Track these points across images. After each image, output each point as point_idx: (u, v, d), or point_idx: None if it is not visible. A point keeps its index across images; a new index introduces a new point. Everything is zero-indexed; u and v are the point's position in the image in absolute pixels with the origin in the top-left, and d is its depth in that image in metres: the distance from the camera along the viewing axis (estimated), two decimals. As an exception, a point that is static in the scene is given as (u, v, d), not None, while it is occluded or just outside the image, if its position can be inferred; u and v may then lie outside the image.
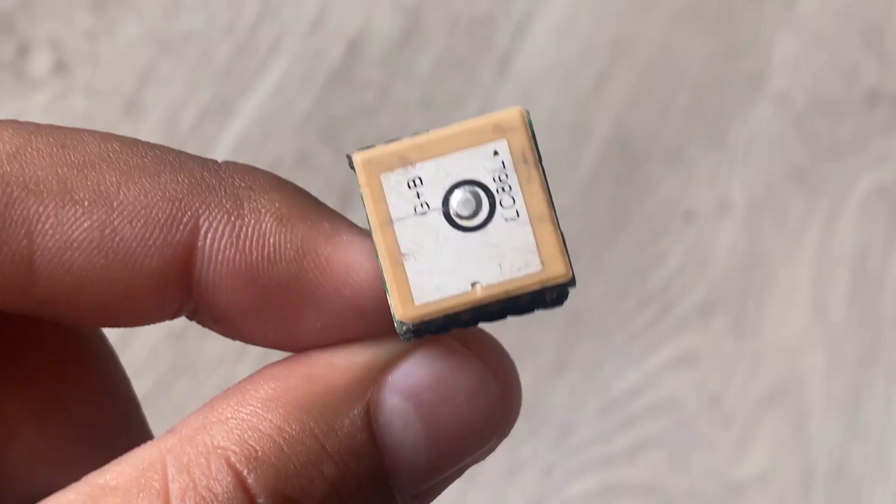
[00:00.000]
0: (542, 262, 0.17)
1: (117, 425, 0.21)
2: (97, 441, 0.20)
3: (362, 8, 0.52)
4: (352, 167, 0.17)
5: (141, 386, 0.47)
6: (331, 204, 0.18)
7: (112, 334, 0.51)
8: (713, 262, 0.49)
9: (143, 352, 0.47)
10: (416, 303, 0.17)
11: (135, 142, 0.18)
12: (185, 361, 0.47)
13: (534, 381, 0.48)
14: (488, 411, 0.18)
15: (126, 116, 0.50)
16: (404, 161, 0.17)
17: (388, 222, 0.17)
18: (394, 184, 0.17)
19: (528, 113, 0.17)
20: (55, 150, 0.17)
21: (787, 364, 0.48)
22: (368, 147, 0.17)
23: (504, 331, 0.52)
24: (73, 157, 0.17)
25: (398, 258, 0.17)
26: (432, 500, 0.19)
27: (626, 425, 0.48)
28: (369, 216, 0.17)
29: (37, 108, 0.48)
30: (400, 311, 0.17)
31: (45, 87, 0.50)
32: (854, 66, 0.51)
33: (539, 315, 0.54)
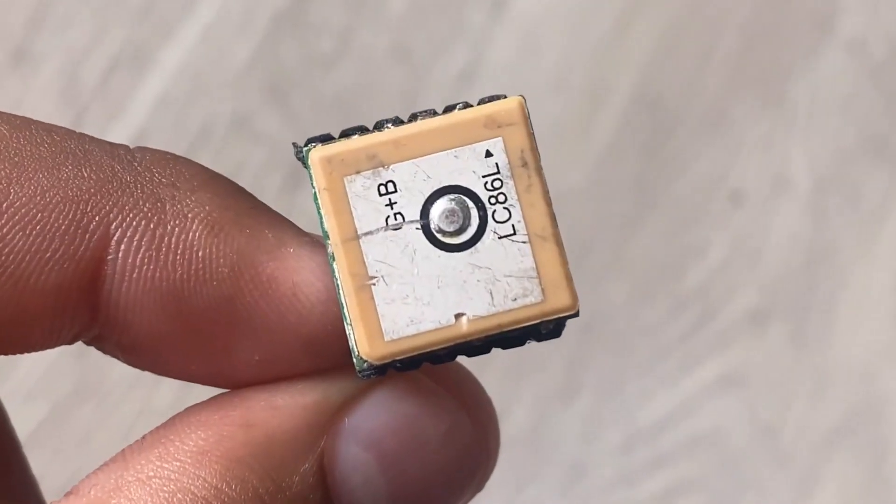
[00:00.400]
0: (544, 291, 0.17)
1: None
2: None
3: None
4: (302, 162, 0.17)
5: (34, 414, 0.47)
6: (276, 182, 0.17)
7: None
8: (767, 256, 0.49)
9: (36, 371, 0.47)
10: (386, 338, 0.17)
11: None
12: (91, 383, 0.46)
13: (537, 407, 0.48)
14: (462, 460, 0.19)
15: (13, 69, 0.49)
16: (374, 161, 0.17)
17: (353, 237, 0.17)
18: (361, 189, 0.17)
19: (525, 100, 0.17)
20: None
21: (863, 386, 0.47)
22: (326, 139, 0.17)
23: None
24: None
25: (364, 281, 0.17)
26: None
27: (655, 465, 0.47)
28: (328, 229, 0.17)
29: None
30: (365, 349, 0.17)
31: None
32: None
33: None
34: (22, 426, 0.49)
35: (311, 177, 0.17)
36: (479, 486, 0.20)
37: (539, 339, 0.18)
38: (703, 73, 0.51)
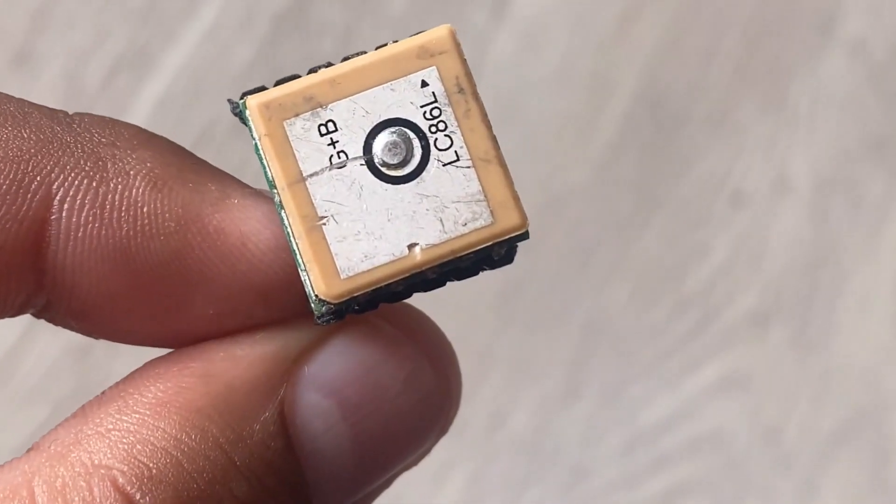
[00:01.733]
0: (493, 213, 0.17)
1: None
2: None
3: None
4: (238, 115, 0.17)
5: (35, 415, 0.48)
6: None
7: None
8: (769, 257, 0.49)
9: (37, 372, 0.47)
10: (342, 276, 0.17)
11: None
12: (92, 384, 0.46)
13: (539, 409, 0.48)
14: (423, 405, 0.19)
15: (16, 70, 0.50)
16: (312, 102, 0.17)
17: (299, 179, 0.17)
18: (301, 131, 0.17)
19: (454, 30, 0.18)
20: None
21: (866, 389, 0.48)
22: (260, 89, 0.17)
23: (500, 344, 0.53)
24: None
25: (315, 222, 0.17)
26: None
27: (656, 467, 0.47)
28: (273, 174, 0.17)
29: None
30: (322, 289, 0.17)
31: None
32: None
33: (544, 327, 0.52)
34: (23, 427, 0.50)
35: (250, 128, 0.17)
36: (444, 430, 0.20)
37: (493, 266, 0.18)
38: (706, 74, 0.51)
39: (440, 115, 0.17)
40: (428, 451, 0.20)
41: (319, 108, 0.17)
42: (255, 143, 0.17)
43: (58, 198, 0.17)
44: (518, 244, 0.18)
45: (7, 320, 0.50)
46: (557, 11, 0.52)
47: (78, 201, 0.17)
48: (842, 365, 0.48)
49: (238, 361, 0.18)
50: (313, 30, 0.51)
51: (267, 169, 0.17)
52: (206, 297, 0.18)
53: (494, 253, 0.18)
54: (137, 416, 0.17)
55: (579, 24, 0.52)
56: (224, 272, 0.18)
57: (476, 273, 0.18)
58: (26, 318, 0.52)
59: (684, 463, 0.47)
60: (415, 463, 0.20)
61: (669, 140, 0.50)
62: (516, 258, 0.18)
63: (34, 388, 0.47)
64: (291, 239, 0.17)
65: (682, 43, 0.51)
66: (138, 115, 0.49)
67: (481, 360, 0.49)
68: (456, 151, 0.17)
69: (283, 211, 0.17)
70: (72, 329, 0.19)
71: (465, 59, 0.17)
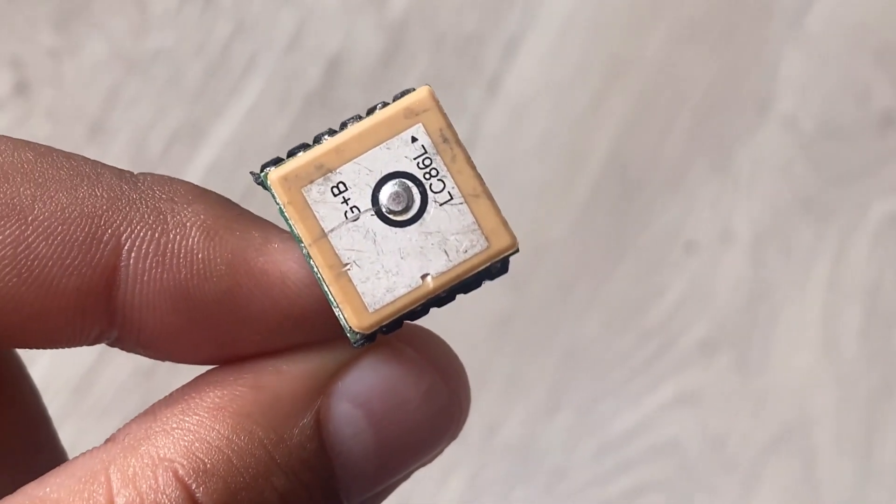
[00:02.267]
0: (487, 238, 0.18)
1: (24, 442, 0.21)
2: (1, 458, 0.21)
3: (342, 25, 0.54)
4: (261, 184, 0.18)
5: (108, 427, 0.47)
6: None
7: (73, 375, 0.50)
8: (716, 295, 0.51)
9: (110, 390, 0.49)
10: (370, 310, 0.18)
11: (49, 150, 0.18)
12: (157, 398, 0.48)
13: (525, 421, 0.49)
14: (438, 416, 0.19)
15: (91, 140, 0.52)
16: (323, 169, 0.18)
17: (321, 235, 0.18)
18: (317, 195, 0.18)
19: (432, 88, 0.18)
20: None
21: (795, 404, 0.49)
22: (276, 161, 0.18)
23: (494, 366, 0.52)
24: None
25: (340, 270, 0.18)
26: (379, 503, 0.20)
27: (623, 469, 0.49)
28: (299, 234, 0.18)
29: (-4, 132, 0.50)
30: (355, 322, 0.18)
31: (5, 109, 0.52)
32: (865, 87, 0.53)
33: (530, 352, 0.53)
34: (98, 437, 0.50)
35: (273, 196, 0.18)
36: (453, 437, 0.20)
37: (492, 278, 0.18)
38: (663, 145, 0.53)
39: (431, 163, 0.18)
40: (440, 453, 0.20)
41: (330, 173, 0.18)
42: (280, 208, 0.18)
43: (126, 247, 0.18)
44: (511, 258, 0.18)
45: (83, 349, 0.50)
46: (540, 93, 0.53)
47: (143, 250, 0.18)
48: (776, 385, 0.50)
49: (283, 375, 0.18)
50: (337, 107, 0.52)
51: (293, 229, 0.18)
52: (252, 326, 0.19)
53: (492, 268, 0.18)
54: (197, 417, 0.17)
55: (558, 104, 0.53)
56: (268, 306, 0.18)
57: (479, 285, 0.19)
58: (100, 345, 0.53)
59: (646, 466, 0.49)
60: (428, 462, 0.20)
61: (633, 199, 0.52)
62: (510, 296, 0.18)
63: (107, 403, 0.49)
64: (322, 283, 0.18)
65: (643, 119, 0.53)
66: (192, 179, 0.44)
67: (478, 379, 0.49)
68: (449, 192, 0.18)
69: (311, 261, 0.18)
70: (140, 354, 0.19)
71: (445, 113, 0.18)
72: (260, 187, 0.18)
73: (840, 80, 0.54)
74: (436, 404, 0.19)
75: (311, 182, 0.18)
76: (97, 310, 0.18)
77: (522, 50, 0.54)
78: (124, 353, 0.20)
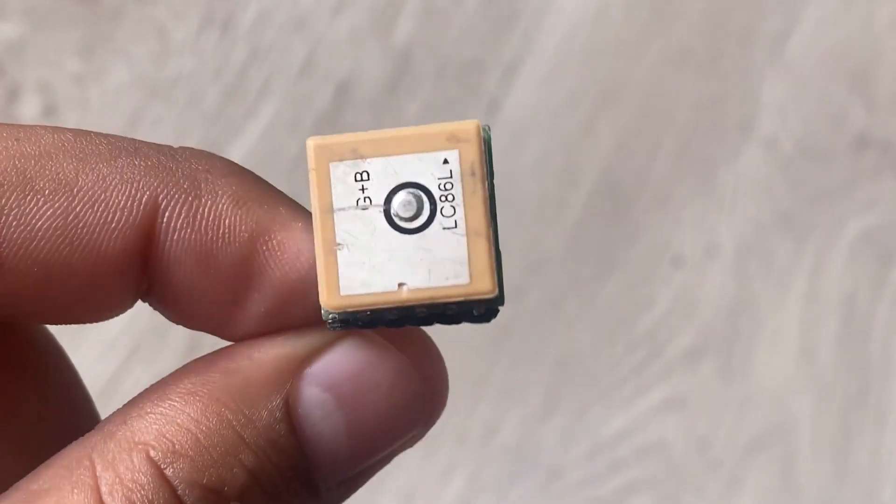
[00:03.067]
0: (471, 276, 0.18)
1: (69, 422, 0.22)
2: (46, 438, 0.21)
3: (351, 51, 0.55)
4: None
5: None
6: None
7: (97, 381, 0.51)
8: (701, 306, 0.52)
9: (132, 395, 0.50)
10: (342, 293, 0.18)
11: (87, 132, 0.19)
12: None
13: (522, 424, 0.50)
14: (409, 401, 0.19)
15: None
16: (356, 154, 0.18)
17: (329, 210, 0.18)
18: (341, 174, 0.18)
19: (488, 129, 0.18)
20: (10, 143, 0.18)
21: (776, 408, 0.50)
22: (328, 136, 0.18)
23: (493, 372, 0.54)
24: (28, 149, 0.18)
25: (332, 246, 0.18)
26: (357, 488, 0.20)
27: (614, 469, 0.50)
28: (312, 200, 0.18)
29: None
30: (324, 298, 0.18)
31: None
32: (842, 110, 0.55)
33: (527, 359, 0.55)
34: None
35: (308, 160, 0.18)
36: (427, 424, 0.20)
37: (472, 321, 0.18)
38: (652, 165, 0.53)
39: (452, 188, 0.18)
40: (419, 437, 0.20)
41: (360, 160, 0.18)
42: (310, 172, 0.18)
43: (161, 207, 0.18)
44: (499, 308, 0.18)
45: (107, 356, 0.52)
46: (536, 117, 0.54)
47: (177, 210, 0.18)
48: (757, 391, 0.50)
49: (254, 361, 0.19)
50: (346, 129, 0.52)
51: (310, 195, 0.18)
52: (261, 296, 0.19)
53: (475, 310, 0.18)
54: (170, 402, 0.18)
55: (553, 127, 0.54)
56: (279, 278, 0.19)
57: (458, 322, 0.19)
58: (123, 354, 0.54)
59: (635, 466, 0.49)
60: (407, 447, 0.20)
61: (623, 216, 0.52)
62: (508, 307, 0.19)
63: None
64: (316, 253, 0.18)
65: (633, 141, 0.54)
66: None
67: (478, 384, 0.50)
68: (456, 220, 0.18)
69: (314, 232, 0.18)
70: (160, 312, 0.20)
71: (484, 151, 0.18)
72: (293, 181, 0.19)
73: (818, 104, 0.54)
74: (407, 388, 0.19)
75: (341, 160, 0.18)
76: (138, 268, 0.19)
77: (520, 76, 0.55)
78: (145, 362, 0.20)
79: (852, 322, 0.52)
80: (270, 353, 0.19)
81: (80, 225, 0.18)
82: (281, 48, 0.55)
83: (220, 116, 0.54)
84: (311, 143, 0.18)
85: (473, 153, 0.18)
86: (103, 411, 0.49)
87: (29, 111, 0.54)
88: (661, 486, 0.50)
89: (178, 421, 0.18)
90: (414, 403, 0.19)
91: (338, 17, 0.56)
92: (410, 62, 0.55)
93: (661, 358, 0.51)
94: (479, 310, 0.18)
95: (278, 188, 0.19)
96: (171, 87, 0.55)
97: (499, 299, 0.18)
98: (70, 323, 0.20)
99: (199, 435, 0.18)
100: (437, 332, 0.20)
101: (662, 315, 0.52)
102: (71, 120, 0.54)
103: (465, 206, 0.18)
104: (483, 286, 0.18)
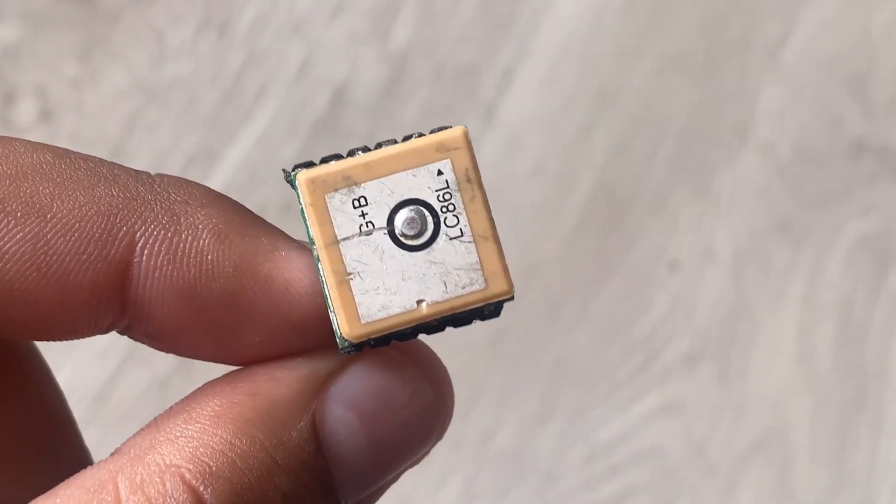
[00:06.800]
0: (486, 280, 0.18)
1: (49, 442, 0.21)
2: (26, 458, 0.21)
3: (348, 56, 0.55)
4: (290, 183, 0.18)
5: (125, 433, 0.47)
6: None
7: (93, 385, 0.51)
8: (698, 311, 0.52)
9: (128, 398, 0.50)
10: (363, 321, 0.18)
11: (67, 153, 0.18)
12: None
13: (518, 429, 0.50)
14: (425, 415, 0.19)
15: None
16: (349, 181, 0.18)
17: (334, 242, 0.18)
18: (339, 203, 0.18)
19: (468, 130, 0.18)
20: None
21: (772, 413, 0.50)
22: (308, 164, 0.18)
23: (489, 377, 0.53)
24: (5, 168, 0.18)
25: (344, 277, 0.18)
26: (373, 503, 0.20)
27: (611, 474, 0.50)
28: (313, 236, 0.18)
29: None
30: (346, 330, 0.18)
31: (30, 134, 0.53)
32: (839, 116, 0.54)
33: (524, 364, 0.55)
34: (116, 442, 0.49)
35: (298, 195, 0.18)
36: (440, 436, 0.20)
37: (483, 319, 0.19)
38: (649, 170, 0.53)
39: (451, 198, 0.18)
40: (428, 452, 0.20)
41: (355, 186, 0.18)
42: (301, 208, 0.18)
43: (139, 245, 0.18)
44: (504, 303, 0.18)
45: (103, 359, 0.52)
46: (533, 121, 0.54)
47: (156, 248, 0.18)
48: (754, 396, 0.50)
49: (279, 382, 0.19)
50: (343, 133, 0.53)
51: (308, 230, 0.18)
52: (254, 328, 0.19)
53: (485, 309, 0.18)
54: (199, 425, 0.18)
55: (550, 131, 0.54)
56: (270, 310, 0.19)
57: (469, 323, 0.19)
58: (120, 357, 0.54)
59: (632, 471, 0.49)
60: (418, 461, 0.20)
61: (620, 221, 0.52)
62: (504, 312, 0.18)
63: (125, 411, 0.49)
64: (325, 287, 0.18)
65: (630, 146, 0.54)
66: None
67: (474, 389, 0.50)
68: (461, 229, 0.18)
69: (319, 264, 0.18)
70: (147, 345, 0.20)
71: (474, 155, 0.18)
72: (287, 187, 0.18)
73: (815, 109, 0.55)
74: (422, 404, 0.19)
75: (336, 190, 0.18)
76: (111, 302, 0.18)
77: (517, 80, 0.55)
78: (141, 364, 0.19)
79: (849, 327, 0.52)
80: (293, 373, 0.19)
81: (50, 252, 0.18)
82: (278, 53, 0.55)
83: (217, 120, 0.54)
84: (303, 177, 0.18)
85: (465, 159, 0.18)
86: (99, 415, 0.49)
87: (25, 115, 0.54)
88: (658, 491, 0.50)
89: (212, 444, 0.17)
90: (429, 417, 0.20)
91: (334, 22, 0.56)
92: (407, 67, 0.55)
93: (658, 363, 0.51)
94: (489, 308, 0.18)
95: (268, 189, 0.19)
96: (167, 91, 0.54)
97: (511, 297, 0.18)
98: (36, 340, 0.20)
99: (235, 457, 0.17)
100: (433, 338, 0.20)
101: (659, 320, 0.52)
102: (67, 124, 0.54)
103: (467, 212, 0.18)
104: (500, 288, 0.18)
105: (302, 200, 0.18)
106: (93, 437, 0.47)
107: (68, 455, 0.21)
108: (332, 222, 0.18)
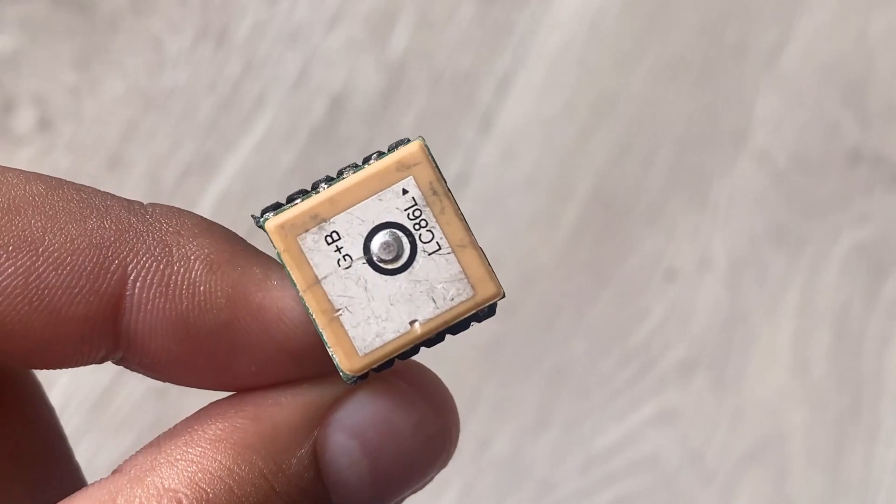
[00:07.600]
0: (473, 287, 0.18)
1: (41, 458, 0.21)
2: (17, 474, 0.20)
3: (345, 64, 0.55)
4: (262, 228, 0.18)
5: (123, 441, 0.50)
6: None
7: (91, 393, 0.51)
8: (694, 319, 0.52)
9: (125, 407, 0.50)
10: (361, 354, 0.18)
11: (60, 183, 0.18)
12: (168, 416, 0.49)
13: (515, 437, 0.50)
14: (430, 445, 0.19)
15: (110, 172, 0.53)
16: (317, 219, 0.18)
17: (315, 282, 0.18)
18: (312, 244, 0.18)
19: (424, 140, 0.18)
20: None
21: (768, 421, 0.50)
22: (276, 206, 0.18)
23: (486, 386, 0.53)
24: None
25: (333, 315, 0.18)
26: None
27: (607, 482, 0.50)
28: (294, 280, 0.18)
29: (21, 165, 0.45)
30: (346, 365, 0.18)
31: (29, 143, 0.53)
32: (835, 124, 0.54)
33: (520, 373, 0.54)
34: (114, 450, 0.50)
35: (271, 241, 0.18)
36: (443, 465, 0.20)
37: (480, 321, 0.19)
38: (645, 177, 0.53)
39: (421, 214, 0.18)
40: (431, 479, 0.20)
41: (324, 223, 0.18)
42: (278, 253, 0.18)
43: (132, 277, 0.18)
44: (498, 302, 0.18)
45: (101, 369, 0.51)
46: (530, 129, 0.54)
47: (148, 281, 0.18)
48: (750, 404, 0.50)
49: (282, 408, 0.18)
50: (341, 141, 0.53)
51: (289, 274, 0.18)
52: (249, 357, 0.19)
53: (480, 312, 0.18)
54: (200, 448, 0.17)
55: (547, 139, 0.54)
56: (264, 340, 0.18)
57: (468, 327, 0.18)
58: (118, 368, 0.54)
59: (628, 479, 0.49)
60: (420, 489, 0.20)
61: (617, 229, 0.52)
62: (500, 320, 0.18)
63: (123, 419, 0.49)
64: (317, 325, 0.18)
65: (626, 154, 0.54)
66: (204, 209, 0.51)
67: (471, 398, 0.50)
68: (437, 242, 0.18)
69: (306, 305, 0.18)
70: (142, 374, 0.20)
71: (436, 166, 0.18)
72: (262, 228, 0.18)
73: (811, 117, 0.54)
74: (427, 434, 0.19)
75: (306, 231, 0.18)
76: (103, 335, 0.18)
77: (514, 88, 0.55)
78: (138, 374, 0.20)
79: (845, 335, 0.52)
80: (297, 399, 0.19)
81: (42, 286, 0.18)
82: (275, 61, 0.55)
83: (215, 129, 0.54)
84: (271, 224, 0.18)
85: (427, 173, 0.18)
86: (98, 424, 0.49)
87: (23, 124, 0.54)
88: (655, 499, 0.50)
89: (210, 469, 0.17)
90: (434, 447, 0.20)
91: (332, 30, 0.56)
92: (404, 74, 0.55)
93: (654, 371, 0.51)
94: (482, 311, 0.18)
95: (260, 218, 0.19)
96: (165, 99, 0.54)
97: (502, 296, 0.18)
98: (29, 368, 0.20)
99: (233, 484, 0.17)
100: (427, 349, 0.19)
101: (655, 328, 0.52)
102: (65, 132, 0.54)
103: (440, 225, 0.18)
104: (488, 291, 0.18)
105: (275, 246, 0.18)
106: (90, 445, 0.49)
107: (60, 473, 0.21)
108: (309, 263, 0.18)
